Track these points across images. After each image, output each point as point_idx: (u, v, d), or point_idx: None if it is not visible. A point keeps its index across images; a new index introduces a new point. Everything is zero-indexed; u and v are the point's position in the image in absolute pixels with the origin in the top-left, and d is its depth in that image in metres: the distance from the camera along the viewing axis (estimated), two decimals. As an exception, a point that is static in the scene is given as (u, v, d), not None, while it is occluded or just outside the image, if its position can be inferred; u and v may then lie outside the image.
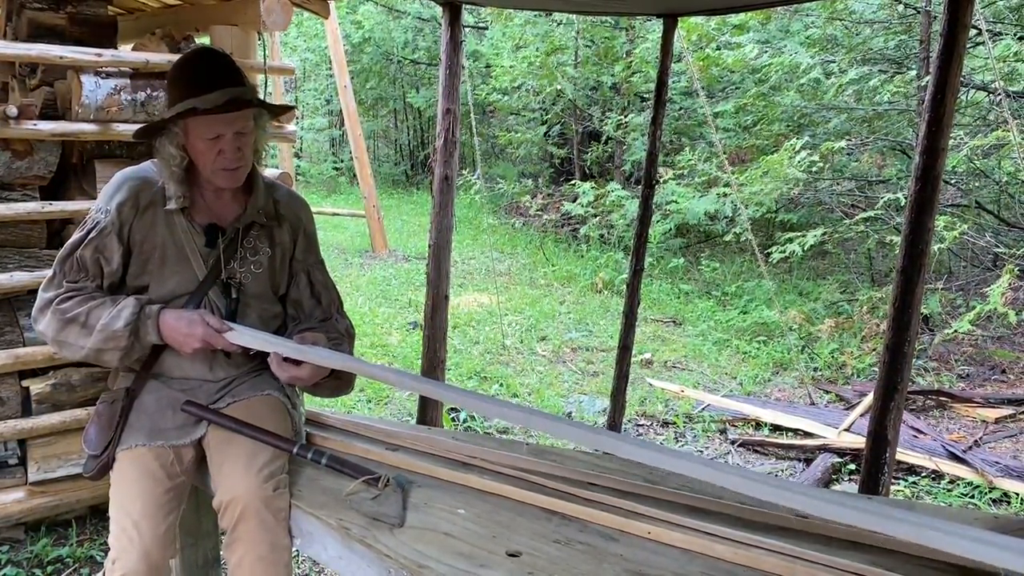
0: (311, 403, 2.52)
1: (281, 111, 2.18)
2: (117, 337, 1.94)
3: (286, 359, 1.97)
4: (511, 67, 11.23)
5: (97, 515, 3.21)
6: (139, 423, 2.02)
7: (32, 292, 3.04)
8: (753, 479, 1.57)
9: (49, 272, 2.04)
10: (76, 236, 2.02)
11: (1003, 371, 5.82)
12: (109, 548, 1.83)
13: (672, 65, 3.66)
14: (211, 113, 1.91)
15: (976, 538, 1.34)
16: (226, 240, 2.09)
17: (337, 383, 2.13)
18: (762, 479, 1.63)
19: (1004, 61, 6.39)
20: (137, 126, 3.01)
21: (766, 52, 8.11)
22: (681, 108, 10.51)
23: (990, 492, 3.95)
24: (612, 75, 10.83)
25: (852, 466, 4.24)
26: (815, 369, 5.98)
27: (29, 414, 2.99)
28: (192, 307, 2.03)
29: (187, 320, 1.97)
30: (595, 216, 9.79)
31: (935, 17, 6.56)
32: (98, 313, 1.95)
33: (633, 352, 3.98)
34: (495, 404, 2.05)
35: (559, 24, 11.36)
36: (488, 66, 13.21)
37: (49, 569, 2.93)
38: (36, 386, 2.98)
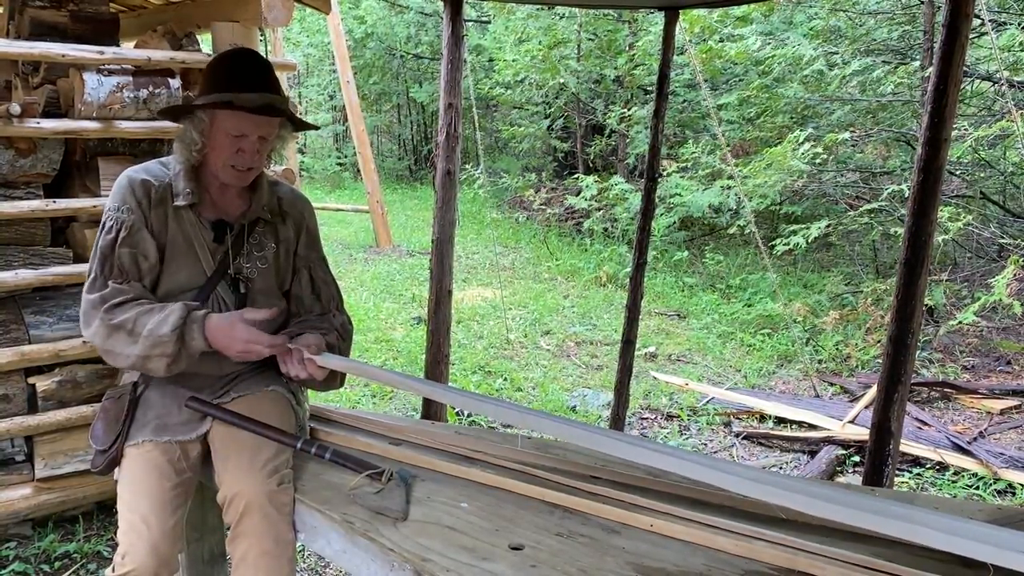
0: (315, 398, 2.54)
1: (305, 128, 2.19)
2: (164, 343, 1.91)
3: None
4: (513, 61, 11.20)
5: (104, 511, 3.23)
6: (145, 419, 2.03)
7: (37, 290, 3.07)
8: (754, 479, 1.58)
9: (87, 280, 2.01)
10: (106, 239, 1.99)
11: (1008, 362, 5.81)
12: (117, 543, 1.85)
13: (675, 57, 3.65)
14: (245, 111, 1.93)
15: (973, 536, 1.35)
16: (233, 236, 2.10)
17: (330, 379, 2.14)
18: (762, 478, 1.64)
19: (1008, 51, 6.36)
20: (139, 124, 3.05)
21: (769, 44, 8.08)
22: (684, 101, 10.49)
23: (995, 483, 3.95)
24: (615, 68, 10.81)
25: (856, 458, 4.24)
26: (819, 361, 5.98)
27: (35, 411, 3.00)
28: (200, 302, 2.04)
29: (228, 328, 1.95)
30: (598, 210, 9.78)
31: (938, 7, 6.52)
32: (145, 320, 1.93)
33: (637, 345, 3.98)
34: (502, 406, 2.06)
35: (561, 17, 11.34)
36: (490, 60, 13.19)
37: (56, 565, 2.95)
38: (42, 383, 2.99)
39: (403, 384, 2.07)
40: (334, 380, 2.14)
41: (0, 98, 3.21)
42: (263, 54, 3.55)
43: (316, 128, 2.39)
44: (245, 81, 1.95)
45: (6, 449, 3.05)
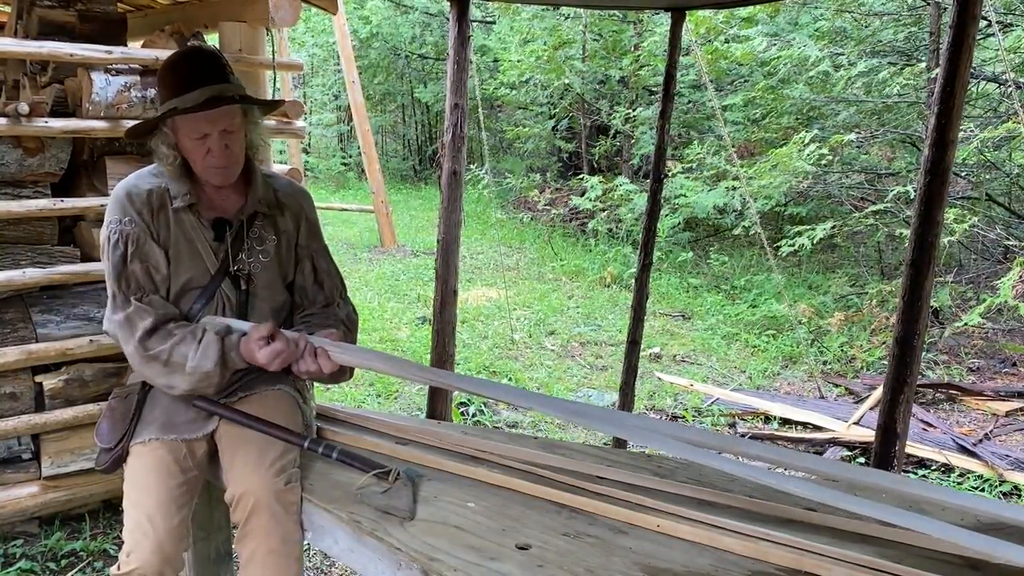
0: (321, 397, 2.54)
1: (269, 107, 2.18)
2: (210, 376, 1.96)
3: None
4: (519, 61, 11.21)
5: (110, 509, 3.24)
6: (152, 417, 2.03)
7: (44, 289, 3.08)
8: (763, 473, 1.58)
9: (109, 299, 2.02)
10: (115, 255, 1.99)
11: (1013, 364, 5.80)
12: (123, 541, 1.85)
13: (680, 58, 3.65)
14: (192, 111, 1.92)
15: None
16: (232, 233, 2.10)
17: (339, 373, 2.14)
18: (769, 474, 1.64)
19: (1015, 52, 6.35)
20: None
21: (775, 45, 8.08)
22: (689, 101, 10.48)
23: (1000, 485, 3.94)
24: (620, 69, 10.81)
25: (861, 459, 4.24)
26: (824, 362, 5.97)
27: (42, 409, 3.01)
28: (204, 300, 2.05)
29: (248, 351, 1.96)
30: (603, 210, 9.78)
31: (945, 8, 6.51)
32: (182, 351, 1.95)
33: (642, 346, 3.98)
34: (528, 396, 2.05)
35: (566, 18, 11.34)
36: (496, 60, 13.19)
37: (63, 563, 2.96)
38: (49, 381, 3.00)
39: (416, 374, 2.05)
40: (343, 374, 2.13)
41: (8, 97, 3.22)
42: (269, 54, 3.57)
43: (279, 103, 2.33)
44: (186, 82, 1.93)
45: (13, 447, 3.06)
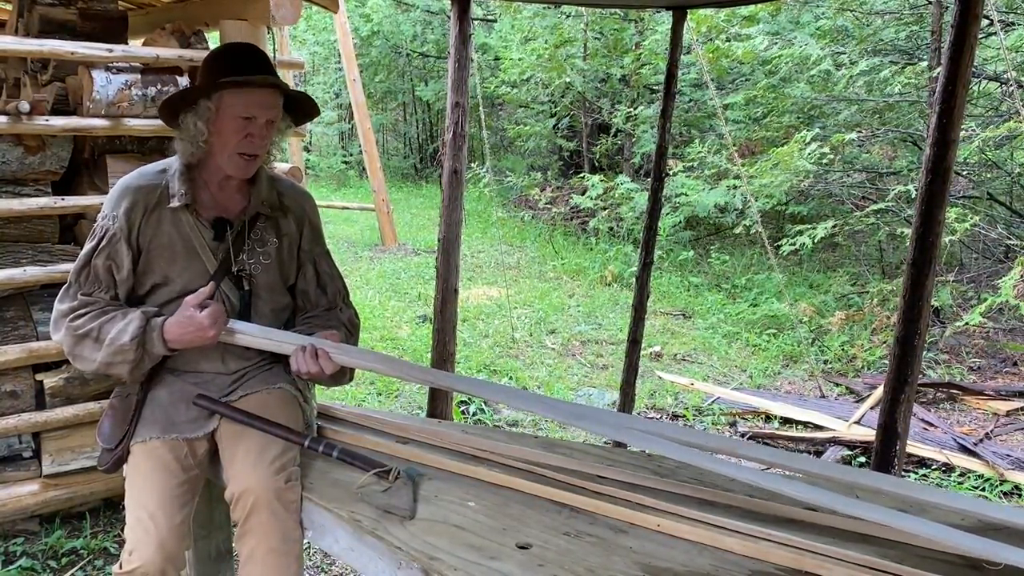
0: (322, 396, 2.54)
1: (309, 115, 2.20)
2: (125, 351, 1.96)
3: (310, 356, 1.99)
4: (520, 60, 11.20)
5: (111, 507, 3.24)
6: (153, 416, 2.03)
7: (45, 287, 3.08)
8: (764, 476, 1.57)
9: (66, 283, 2.06)
10: (88, 246, 2.03)
11: (1014, 363, 5.80)
12: (124, 540, 1.86)
13: (681, 57, 3.64)
14: (253, 88, 1.94)
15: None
16: (234, 233, 2.09)
17: (339, 374, 2.14)
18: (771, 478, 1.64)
19: (1017, 51, 6.34)
20: (147, 122, 3.05)
21: (776, 43, 8.07)
22: (691, 100, 10.47)
23: (1001, 485, 3.94)
24: (621, 67, 10.80)
25: (862, 459, 4.24)
26: (825, 362, 5.97)
27: (43, 407, 3.01)
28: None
29: (187, 321, 1.97)
30: (604, 209, 9.77)
31: (946, 7, 6.50)
32: (108, 328, 1.97)
33: (643, 345, 3.98)
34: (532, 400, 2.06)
35: (568, 16, 11.33)
36: (497, 59, 13.18)
37: (64, 561, 2.96)
38: (50, 380, 3.00)
39: (416, 375, 2.05)
40: (343, 376, 2.13)
41: (9, 95, 3.22)
42: (270, 52, 3.57)
43: (317, 113, 2.35)
44: (249, 65, 1.96)
45: (14, 445, 3.07)
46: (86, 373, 2.11)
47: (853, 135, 7.30)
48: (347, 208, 11.47)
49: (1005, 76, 6.43)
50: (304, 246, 2.22)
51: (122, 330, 1.96)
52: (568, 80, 10.85)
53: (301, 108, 2.16)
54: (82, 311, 2.00)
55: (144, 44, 3.56)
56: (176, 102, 2.03)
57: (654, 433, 1.74)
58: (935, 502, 1.62)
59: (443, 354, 3.53)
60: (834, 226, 6.93)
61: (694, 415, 4.88)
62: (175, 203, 2.03)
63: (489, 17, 14.03)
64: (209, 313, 1.95)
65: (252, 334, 2.05)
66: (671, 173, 8.71)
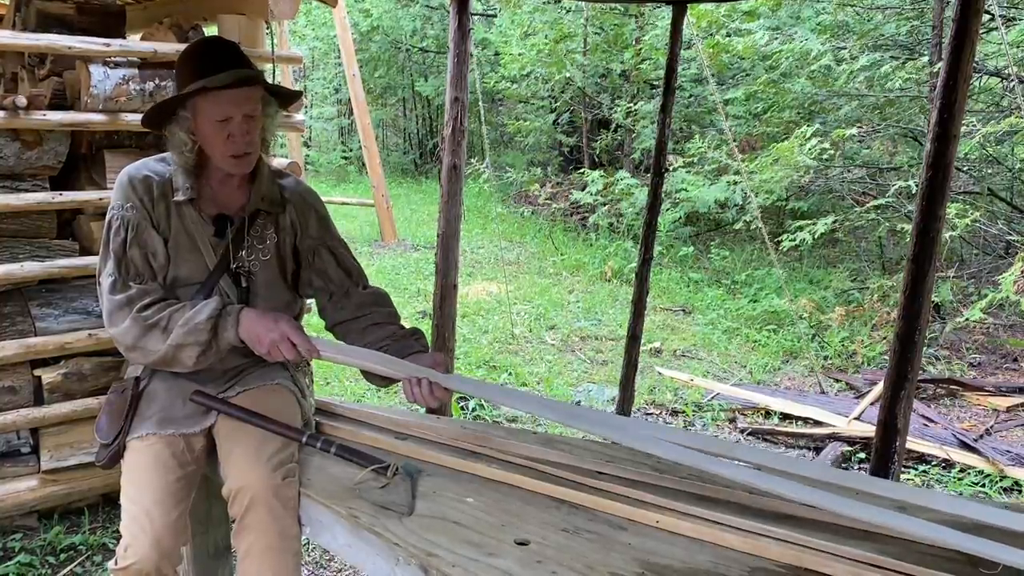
0: (320, 392, 2.53)
1: (290, 97, 2.17)
2: (199, 330, 1.93)
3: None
4: (520, 55, 11.18)
5: (109, 503, 3.23)
6: (150, 412, 2.03)
7: (43, 283, 3.07)
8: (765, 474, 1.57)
9: (106, 281, 2.00)
10: (115, 242, 1.99)
11: (1015, 359, 5.80)
12: (121, 536, 1.85)
13: (682, 52, 3.64)
14: (220, 90, 1.91)
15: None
16: (234, 229, 2.09)
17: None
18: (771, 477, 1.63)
19: (1018, 46, 6.32)
20: (146, 116, 3.03)
21: (776, 39, 8.05)
22: (691, 95, 10.46)
23: (1001, 481, 3.94)
24: (621, 62, 10.78)
25: (862, 455, 4.23)
26: (825, 358, 5.97)
27: (41, 403, 3.01)
28: (202, 297, 2.03)
29: (271, 319, 1.97)
30: (604, 204, 9.77)
31: (947, 3, 6.49)
32: (178, 316, 1.95)
33: (642, 341, 3.98)
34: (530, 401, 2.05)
35: (568, 11, 11.31)
36: (497, 54, 13.17)
37: (62, 556, 2.95)
38: (48, 375, 3.00)
39: (415, 374, 2.02)
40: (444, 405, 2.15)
41: (6, 90, 3.21)
42: (269, 47, 3.55)
43: (299, 95, 2.32)
44: (213, 64, 1.92)
45: (12, 441, 3.06)
46: (148, 364, 2.04)
47: (854, 131, 7.30)
48: (346, 204, 11.46)
49: (1006, 71, 6.41)
50: (312, 234, 2.21)
51: (198, 311, 1.95)
52: (568, 75, 10.84)
53: (281, 90, 2.14)
54: (147, 300, 1.97)
55: (142, 39, 3.55)
56: (154, 116, 2.02)
57: (652, 434, 1.73)
58: (932, 507, 1.61)
59: (442, 350, 3.53)
60: (834, 222, 6.92)
61: (694, 411, 4.88)
62: (180, 196, 2.03)
63: (489, 12, 14.00)
64: (293, 327, 1.96)
65: (347, 354, 2.05)
66: (671, 169, 8.71)
